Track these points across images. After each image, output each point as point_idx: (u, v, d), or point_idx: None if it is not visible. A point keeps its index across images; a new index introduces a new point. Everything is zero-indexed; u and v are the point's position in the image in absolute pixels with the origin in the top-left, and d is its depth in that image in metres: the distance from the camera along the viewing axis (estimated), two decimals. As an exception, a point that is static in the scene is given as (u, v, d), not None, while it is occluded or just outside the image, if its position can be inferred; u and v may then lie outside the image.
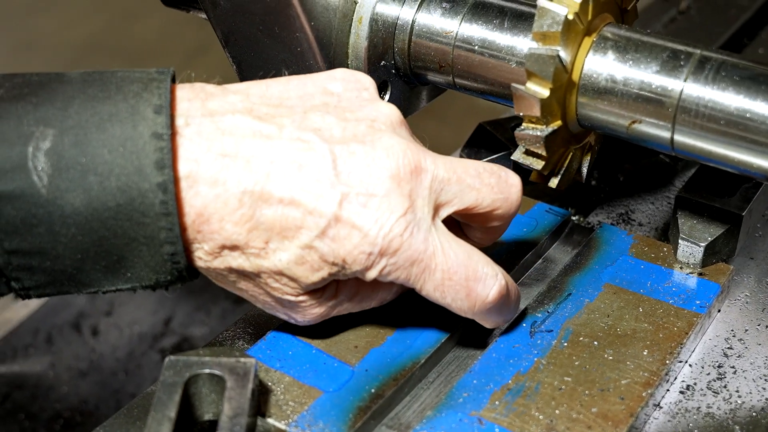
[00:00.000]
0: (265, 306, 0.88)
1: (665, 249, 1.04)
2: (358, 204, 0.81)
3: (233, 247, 0.81)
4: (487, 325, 0.90)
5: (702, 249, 1.01)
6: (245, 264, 0.82)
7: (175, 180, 0.77)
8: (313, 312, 0.88)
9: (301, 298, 0.86)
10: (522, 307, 0.98)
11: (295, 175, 0.80)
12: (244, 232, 0.80)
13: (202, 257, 0.81)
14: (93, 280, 0.80)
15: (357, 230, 0.81)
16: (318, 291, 0.86)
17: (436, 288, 0.85)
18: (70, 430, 1.57)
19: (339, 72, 0.88)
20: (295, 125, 0.82)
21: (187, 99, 0.81)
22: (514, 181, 0.89)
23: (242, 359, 0.83)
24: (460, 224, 0.93)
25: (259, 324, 0.98)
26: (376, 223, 0.81)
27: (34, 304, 1.75)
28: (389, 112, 0.86)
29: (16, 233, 0.76)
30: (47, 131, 0.76)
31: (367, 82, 0.88)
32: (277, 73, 1.01)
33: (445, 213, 0.86)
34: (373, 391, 0.87)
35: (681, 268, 1.02)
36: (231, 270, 0.83)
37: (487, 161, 1.12)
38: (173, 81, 0.82)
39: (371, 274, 0.83)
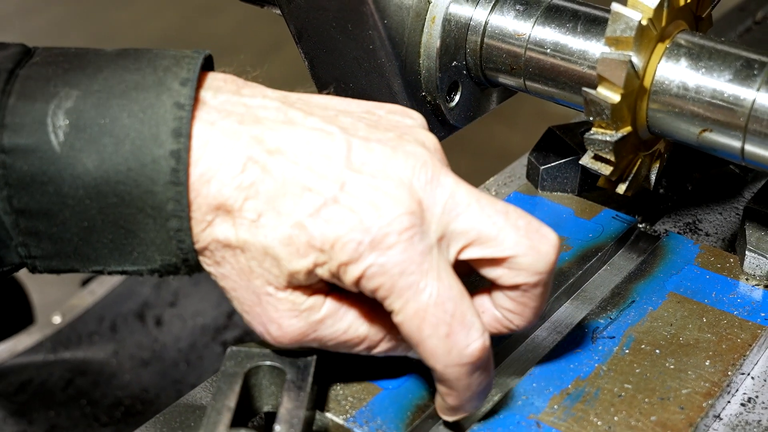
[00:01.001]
0: (244, 308, 0.81)
1: (732, 260, 1.03)
2: (362, 191, 0.76)
3: (226, 210, 0.77)
4: (449, 400, 0.81)
5: (769, 261, 1.00)
6: (231, 236, 0.77)
7: (189, 148, 0.76)
8: (290, 324, 0.80)
9: (281, 294, 0.79)
10: (584, 312, 0.97)
11: (305, 154, 0.77)
12: (240, 198, 0.76)
13: (197, 224, 0.78)
14: (99, 255, 0.79)
15: (354, 214, 0.76)
16: (298, 293, 0.79)
17: (416, 313, 0.76)
18: (130, 418, 1.59)
19: (388, 104, 0.85)
20: (321, 118, 0.80)
21: (222, 80, 0.80)
22: (549, 234, 0.80)
23: (303, 352, 0.84)
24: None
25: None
26: (376, 212, 0.75)
27: (100, 292, 1.78)
28: (427, 136, 0.82)
29: (26, 190, 0.76)
30: (72, 92, 0.76)
31: (416, 115, 0.85)
32: (349, 71, 1.01)
33: (455, 246, 0.79)
34: (432, 390, 0.87)
35: (747, 279, 1.01)
36: (218, 243, 0.78)
37: (556, 165, 1.12)
38: (210, 65, 0.82)
39: (354, 270, 0.76)
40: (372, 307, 0.81)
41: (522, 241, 0.78)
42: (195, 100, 0.77)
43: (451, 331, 0.76)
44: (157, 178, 0.75)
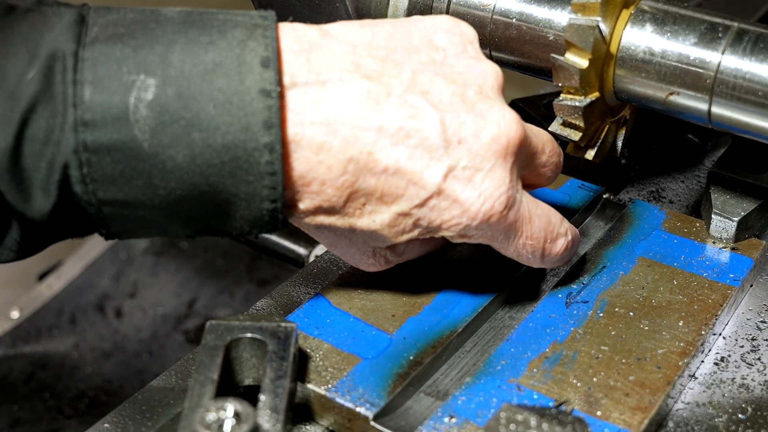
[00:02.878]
0: (339, 252, 0.90)
1: (698, 224, 1.04)
2: (464, 178, 0.80)
3: (330, 210, 0.80)
4: (545, 266, 0.93)
5: (735, 224, 1.01)
6: (338, 222, 0.82)
7: (283, 142, 0.76)
8: (371, 263, 0.91)
9: (380, 252, 0.89)
10: (557, 278, 0.98)
11: (402, 143, 0.79)
12: (344, 197, 0.79)
13: (295, 213, 0.81)
14: (180, 231, 0.80)
15: (458, 204, 0.80)
16: (396, 246, 0.90)
17: (516, 249, 0.87)
18: (95, 409, 1.58)
19: (443, 21, 0.85)
20: (403, 86, 0.80)
21: (292, 51, 0.78)
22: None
23: (283, 324, 0.84)
24: None
25: (287, 305, 0.98)
26: (479, 198, 0.81)
27: (57, 285, 1.76)
28: (495, 73, 0.84)
29: (113, 184, 0.75)
30: (148, 81, 0.73)
31: (472, 35, 0.86)
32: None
33: (525, 173, 0.88)
34: (411, 358, 0.87)
35: (714, 242, 1.02)
36: (322, 226, 0.84)
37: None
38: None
39: (459, 239, 0.85)
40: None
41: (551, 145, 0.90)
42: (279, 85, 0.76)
43: (544, 249, 0.88)
44: (252, 170, 0.75)
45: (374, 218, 0.81)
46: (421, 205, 0.80)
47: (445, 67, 0.82)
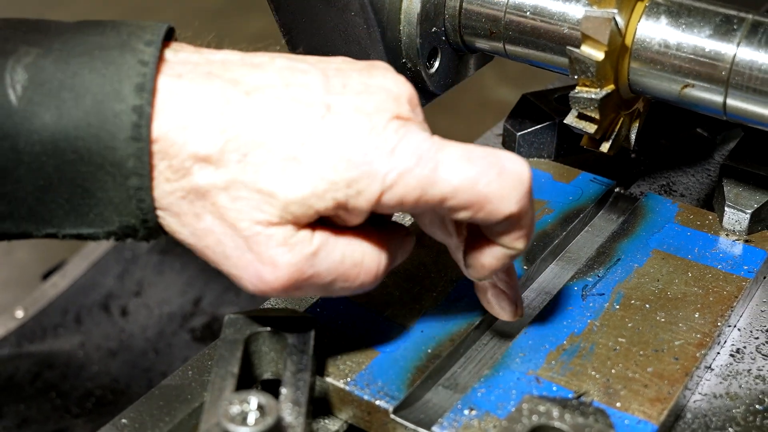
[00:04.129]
0: (231, 261, 0.77)
1: (710, 217, 1.04)
2: (350, 111, 0.75)
3: (205, 159, 0.74)
4: (516, 244, 0.80)
5: (748, 216, 1.01)
6: (217, 179, 0.74)
7: (152, 105, 0.72)
8: (284, 260, 0.75)
9: (271, 230, 0.75)
10: (572, 272, 0.98)
11: (282, 90, 0.75)
12: (220, 143, 0.73)
13: (167, 177, 0.74)
14: (54, 217, 0.75)
15: (345, 137, 0.74)
16: (288, 228, 0.75)
17: (461, 156, 0.75)
18: (102, 408, 1.58)
19: (354, 61, 0.81)
20: (290, 60, 0.78)
21: (184, 45, 0.78)
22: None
23: (302, 317, 0.84)
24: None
25: (299, 300, 0.98)
26: (369, 124, 0.74)
27: (62, 284, 1.76)
28: (402, 80, 0.79)
29: None
30: (31, 50, 0.73)
31: (382, 64, 0.81)
32: (329, 40, 1.01)
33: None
34: (429, 351, 0.87)
35: (727, 235, 1.02)
36: (198, 191, 0.75)
37: (532, 131, 1.13)
38: (171, 37, 0.78)
39: (369, 190, 0.74)
40: (359, 231, 0.79)
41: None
42: (159, 59, 0.74)
43: (500, 165, 0.75)
44: (117, 134, 0.72)
45: (257, 168, 0.74)
46: (304, 143, 0.74)
47: (340, 64, 0.80)
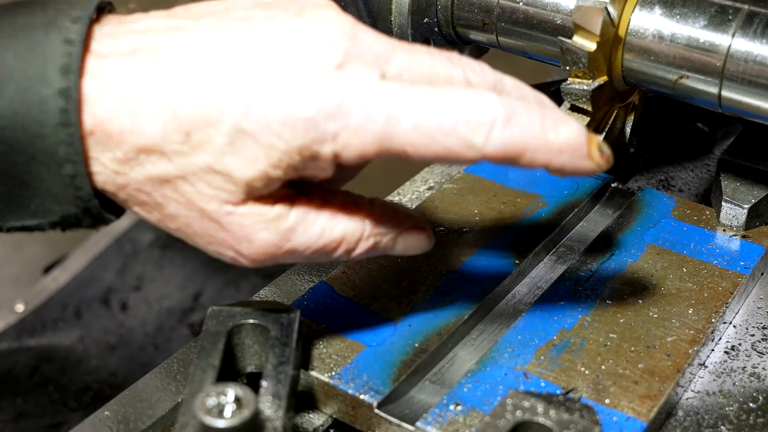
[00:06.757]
0: (207, 240, 0.75)
1: (707, 212, 1.03)
2: (285, 69, 0.70)
3: (150, 150, 0.70)
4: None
5: (745, 211, 1.00)
6: (169, 168, 0.71)
7: (79, 88, 0.69)
8: (260, 237, 0.73)
9: (242, 209, 0.73)
10: (565, 266, 0.97)
11: (210, 55, 0.70)
12: (158, 128, 0.70)
13: (115, 170, 0.71)
14: None
15: (286, 101, 0.69)
16: (261, 205, 0.73)
17: (439, 126, 0.69)
18: (99, 402, 1.56)
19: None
20: (215, 18, 0.73)
21: (112, 16, 0.74)
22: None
23: (286, 310, 0.82)
24: None
25: (290, 292, 0.97)
26: (308, 81, 0.69)
27: (63, 278, 1.76)
28: (333, 15, 0.73)
29: None
30: None
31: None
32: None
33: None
34: (416, 345, 0.86)
35: (724, 230, 1.01)
36: (154, 181, 0.72)
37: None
38: (107, 9, 0.74)
39: (323, 149, 0.70)
40: (343, 205, 0.76)
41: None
42: (88, 37, 0.70)
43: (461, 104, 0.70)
44: (45, 121, 0.69)
45: (206, 149, 0.71)
46: (247, 111, 0.70)
47: (266, 4, 0.74)
